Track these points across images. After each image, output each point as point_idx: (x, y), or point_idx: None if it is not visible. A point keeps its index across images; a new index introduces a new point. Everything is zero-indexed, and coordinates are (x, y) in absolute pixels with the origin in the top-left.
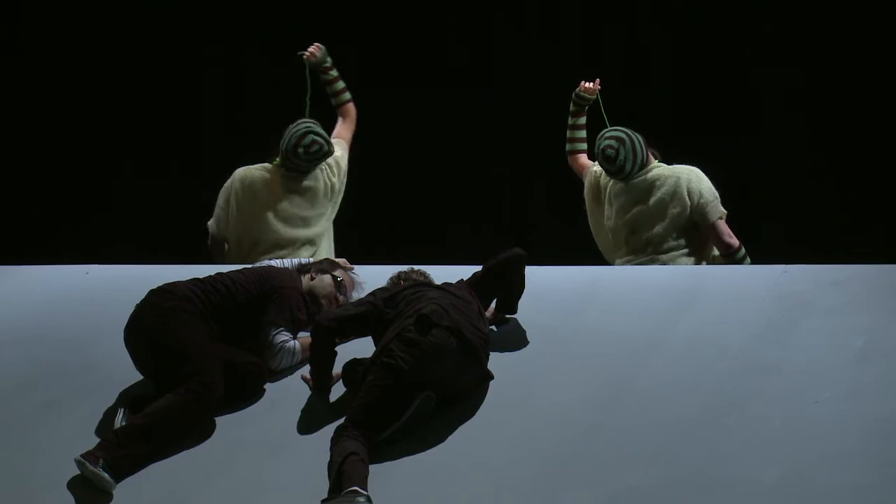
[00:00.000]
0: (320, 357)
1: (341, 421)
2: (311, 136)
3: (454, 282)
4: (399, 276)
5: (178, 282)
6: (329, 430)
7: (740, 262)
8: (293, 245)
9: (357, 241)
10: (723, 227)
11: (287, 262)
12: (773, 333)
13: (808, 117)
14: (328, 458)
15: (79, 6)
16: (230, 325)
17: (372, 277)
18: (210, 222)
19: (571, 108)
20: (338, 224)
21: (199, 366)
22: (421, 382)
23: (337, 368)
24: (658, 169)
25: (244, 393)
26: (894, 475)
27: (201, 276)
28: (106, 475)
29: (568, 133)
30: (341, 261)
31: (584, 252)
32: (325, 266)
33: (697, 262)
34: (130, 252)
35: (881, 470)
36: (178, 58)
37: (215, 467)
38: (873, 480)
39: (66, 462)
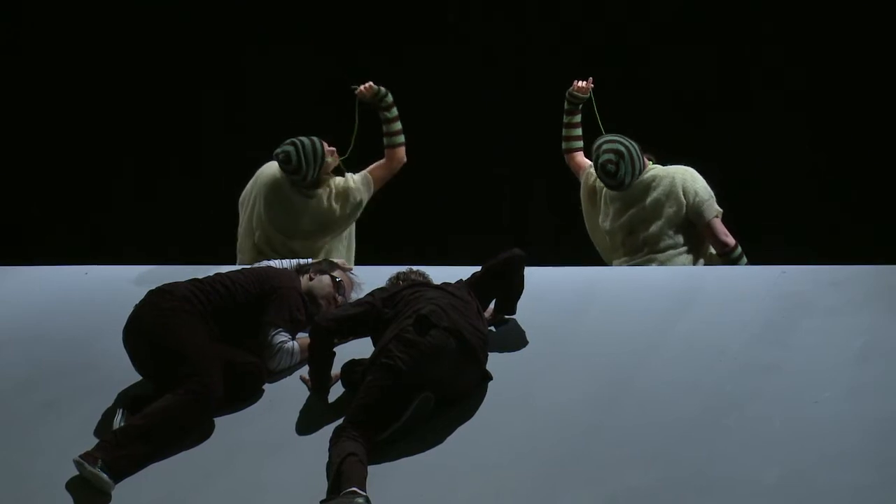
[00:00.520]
0: (319, 357)
1: (340, 421)
2: (287, 147)
3: (453, 282)
4: (398, 276)
5: (178, 282)
6: (328, 431)
7: (736, 260)
8: (286, 252)
9: (356, 241)
10: (719, 225)
11: (286, 263)
12: (772, 334)
13: (808, 117)
14: (327, 459)
15: (79, 7)
16: (229, 326)
17: (371, 278)
18: None
19: (566, 106)
20: None
21: (198, 366)
22: (420, 383)
23: (336, 369)
24: (653, 170)
25: (243, 393)
26: (894, 475)
27: (200, 277)
28: (105, 476)
29: (563, 132)
30: (340, 261)
31: (584, 253)
32: (324, 267)
33: (695, 261)
34: (130, 253)
35: (881, 470)
36: (178, 58)
37: (214, 468)
38: (873, 480)
39: (65, 462)
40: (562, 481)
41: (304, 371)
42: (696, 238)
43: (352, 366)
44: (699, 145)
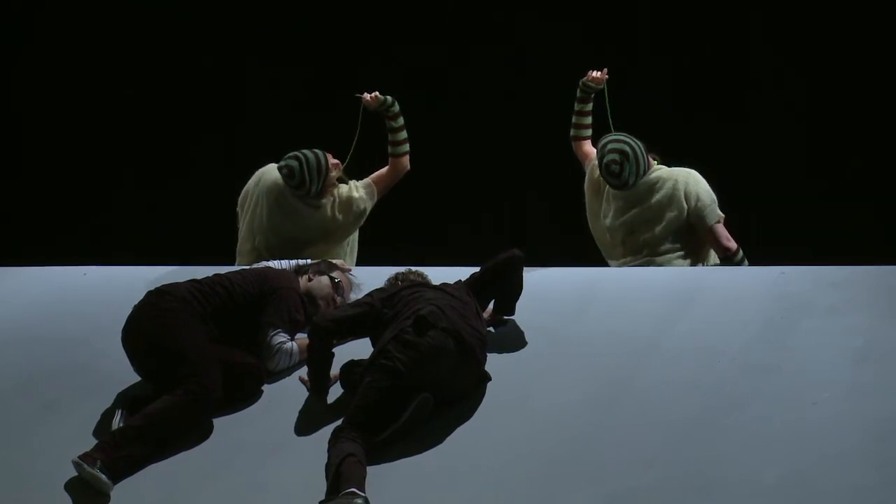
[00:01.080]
0: (318, 358)
1: (339, 422)
2: (291, 161)
3: (452, 283)
4: (397, 277)
5: (177, 283)
6: (327, 432)
7: (738, 264)
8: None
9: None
10: (720, 230)
11: (285, 264)
12: (771, 334)
13: (808, 117)
14: (326, 460)
15: (86, 7)
16: (228, 326)
17: (370, 278)
18: None
19: (578, 94)
20: None
21: (197, 367)
22: (419, 384)
23: (335, 370)
24: (658, 172)
25: (242, 394)
26: (893, 475)
27: (199, 278)
28: (103, 476)
29: (574, 118)
30: (339, 262)
31: (583, 253)
32: (323, 267)
33: (693, 265)
34: (130, 254)
35: (880, 470)
36: (177, 61)
37: (213, 468)
38: (872, 481)
39: (64, 463)
40: (561, 482)
41: (303, 372)
42: (697, 242)
43: (351, 366)
44: (699, 145)
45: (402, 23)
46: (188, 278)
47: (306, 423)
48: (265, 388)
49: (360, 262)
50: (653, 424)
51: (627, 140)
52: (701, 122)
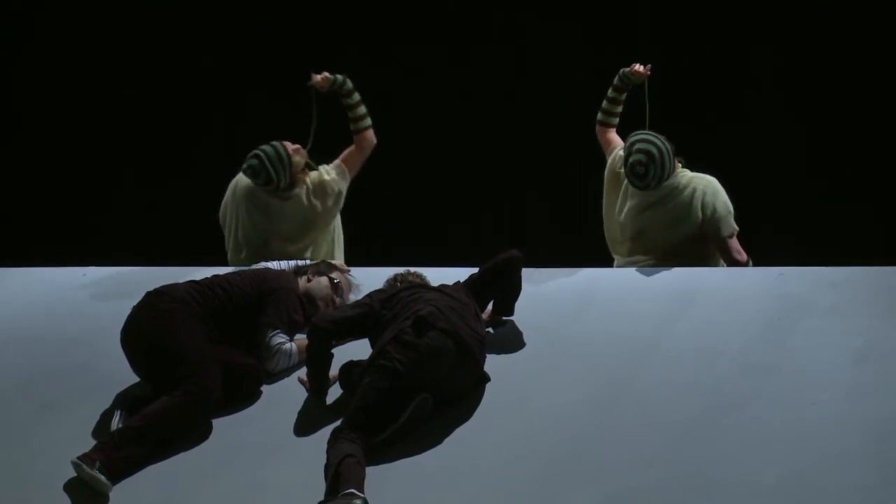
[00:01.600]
0: (317, 359)
1: (338, 423)
2: (252, 161)
3: (451, 284)
4: (396, 278)
5: (176, 283)
6: (326, 433)
7: None
8: (279, 257)
9: (354, 243)
10: (733, 243)
11: (284, 264)
12: (771, 334)
13: (808, 117)
14: (325, 460)
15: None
16: (227, 327)
17: (369, 279)
18: None
19: (616, 82)
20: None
21: (196, 367)
22: (418, 384)
23: (334, 370)
24: (679, 177)
25: (241, 395)
26: (893, 475)
27: (198, 278)
28: (102, 477)
29: (605, 104)
30: (338, 263)
31: (582, 254)
32: (322, 268)
33: None
34: (129, 259)
35: (880, 470)
36: (177, 68)
37: (212, 469)
38: (872, 481)
39: (63, 464)
40: (561, 482)
41: (303, 372)
42: (706, 251)
43: (350, 367)
44: (698, 146)
45: (402, 23)
46: (187, 279)
47: (305, 424)
48: (264, 388)
49: (360, 263)
50: (653, 424)
51: (656, 141)
52: (701, 122)
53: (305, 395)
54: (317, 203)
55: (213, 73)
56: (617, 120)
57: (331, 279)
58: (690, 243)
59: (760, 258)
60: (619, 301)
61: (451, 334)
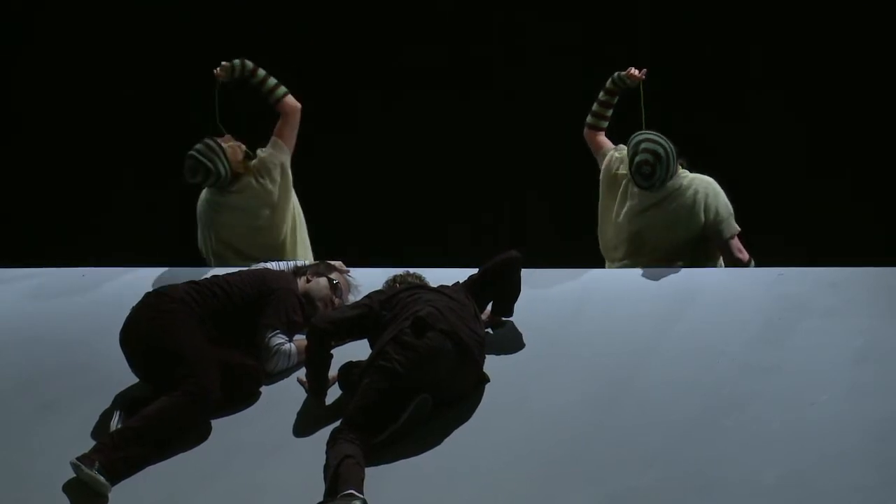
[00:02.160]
0: (316, 360)
1: (337, 424)
2: (187, 162)
3: (450, 284)
4: (395, 278)
5: (175, 284)
6: (325, 433)
7: None
8: (257, 254)
9: (353, 243)
10: (735, 243)
11: (283, 265)
12: (770, 335)
13: (807, 118)
14: (324, 461)
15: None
16: (227, 328)
17: (368, 280)
18: None
19: (608, 85)
20: (334, 226)
21: (195, 368)
22: (417, 385)
23: (333, 371)
24: (680, 178)
25: (240, 395)
26: (893, 476)
27: (197, 279)
28: (101, 478)
29: (595, 106)
30: (337, 263)
31: (581, 255)
32: (322, 269)
33: None
34: (128, 260)
35: (880, 470)
36: (176, 68)
37: (211, 470)
38: (872, 481)
39: (62, 464)
40: (560, 483)
41: (302, 373)
42: (707, 252)
43: (349, 368)
44: (696, 146)
45: (402, 23)
46: (187, 279)
47: (305, 425)
48: (263, 389)
49: (359, 263)
50: (652, 425)
51: (662, 142)
52: (701, 122)
53: (305, 395)
54: (265, 182)
55: (212, 73)
56: (606, 123)
57: (330, 280)
58: (688, 245)
59: (760, 258)
60: (618, 302)
61: (451, 335)
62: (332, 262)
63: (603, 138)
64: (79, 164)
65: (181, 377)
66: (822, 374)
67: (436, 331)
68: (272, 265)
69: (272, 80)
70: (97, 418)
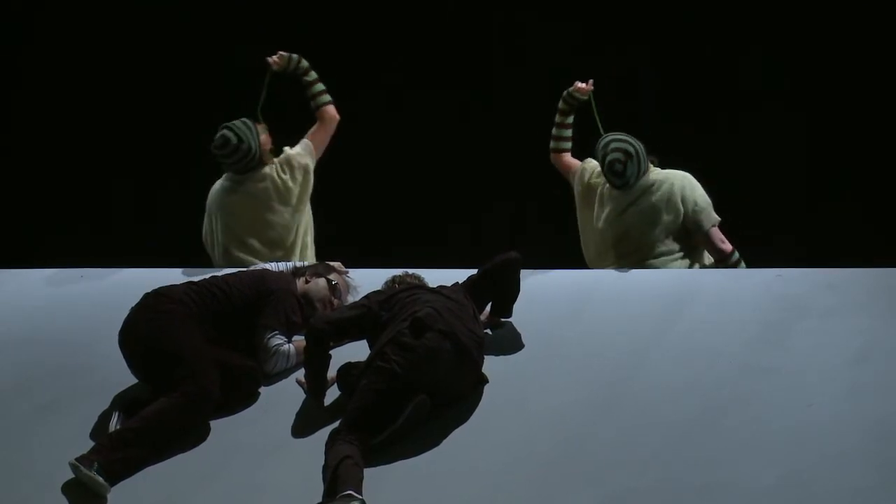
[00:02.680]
0: (315, 360)
1: (336, 424)
2: (221, 132)
3: (449, 285)
4: (394, 279)
5: (173, 285)
6: (324, 434)
7: (734, 266)
8: (260, 248)
9: (352, 244)
10: (716, 233)
11: (282, 266)
12: (769, 336)
13: (805, 119)
14: (323, 462)
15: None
16: (225, 328)
17: (367, 281)
18: None
19: (561, 105)
20: (333, 227)
21: (194, 369)
22: (415, 386)
23: (332, 372)
24: (654, 174)
25: (239, 396)
26: (892, 476)
27: (196, 280)
28: (100, 479)
29: (554, 131)
30: (336, 264)
31: (581, 256)
32: (320, 269)
33: (690, 267)
34: (126, 261)
35: (879, 471)
36: (176, 68)
37: (210, 471)
38: (871, 482)
39: (61, 465)
40: (558, 484)
41: (301, 374)
42: (691, 245)
43: (348, 369)
44: (696, 146)
45: (402, 23)
46: (185, 280)
47: (303, 426)
48: (262, 390)
49: (357, 264)
50: (651, 426)
51: (629, 140)
52: (699, 122)
53: (303, 396)
54: (286, 178)
55: (212, 73)
56: (569, 144)
57: (329, 281)
58: (674, 239)
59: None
60: (617, 302)
61: (449, 336)
62: (331, 263)
63: (570, 159)
64: (78, 163)
65: (180, 378)
66: (820, 375)
67: (434, 331)
68: (271, 266)
69: (320, 86)
70: (96, 419)
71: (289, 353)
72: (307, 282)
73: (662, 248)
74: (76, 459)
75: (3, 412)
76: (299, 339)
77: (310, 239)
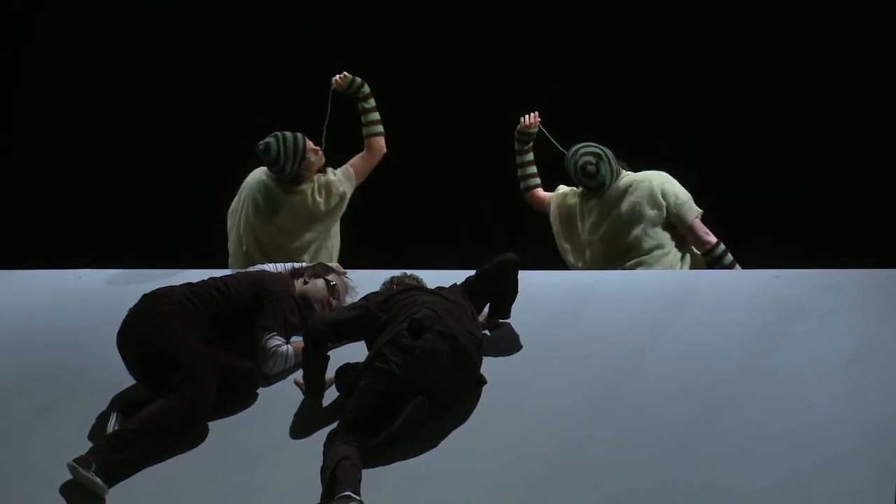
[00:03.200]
0: (313, 361)
1: (334, 425)
2: (269, 139)
3: (448, 286)
4: (392, 280)
5: (172, 286)
6: (322, 435)
7: (720, 257)
8: (276, 253)
9: (350, 245)
10: (699, 226)
11: (280, 267)
12: (766, 337)
13: (805, 119)
14: (321, 463)
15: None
16: (224, 330)
17: (365, 282)
18: None
19: (516, 146)
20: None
21: (192, 370)
22: (414, 387)
23: (330, 373)
24: (628, 177)
25: (237, 397)
26: (889, 478)
27: (195, 281)
28: (98, 480)
29: (519, 171)
30: (334, 265)
31: None
32: (319, 270)
33: (682, 259)
34: (125, 262)
35: (876, 473)
36: (176, 68)
37: (208, 472)
38: (868, 483)
39: (59, 466)
40: (556, 485)
41: (299, 375)
42: (679, 237)
43: (346, 370)
44: (694, 147)
45: (402, 23)
46: (184, 281)
47: (302, 427)
48: (261, 391)
49: (356, 265)
50: (649, 427)
51: (597, 145)
52: (696, 123)
53: (302, 397)
54: (320, 201)
55: (212, 73)
56: (537, 180)
57: (327, 281)
58: (661, 233)
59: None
60: (615, 304)
61: (448, 337)
62: (330, 264)
63: (543, 193)
64: (77, 164)
65: (178, 381)
66: (818, 376)
67: (433, 332)
68: (269, 267)
69: (376, 115)
70: (94, 420)
71: (287, 354)
72: (305, 283)
73: (652, 244)
74: (74, 460)
75: (2, 413)
76: (298, 340)
77: (325, 257)
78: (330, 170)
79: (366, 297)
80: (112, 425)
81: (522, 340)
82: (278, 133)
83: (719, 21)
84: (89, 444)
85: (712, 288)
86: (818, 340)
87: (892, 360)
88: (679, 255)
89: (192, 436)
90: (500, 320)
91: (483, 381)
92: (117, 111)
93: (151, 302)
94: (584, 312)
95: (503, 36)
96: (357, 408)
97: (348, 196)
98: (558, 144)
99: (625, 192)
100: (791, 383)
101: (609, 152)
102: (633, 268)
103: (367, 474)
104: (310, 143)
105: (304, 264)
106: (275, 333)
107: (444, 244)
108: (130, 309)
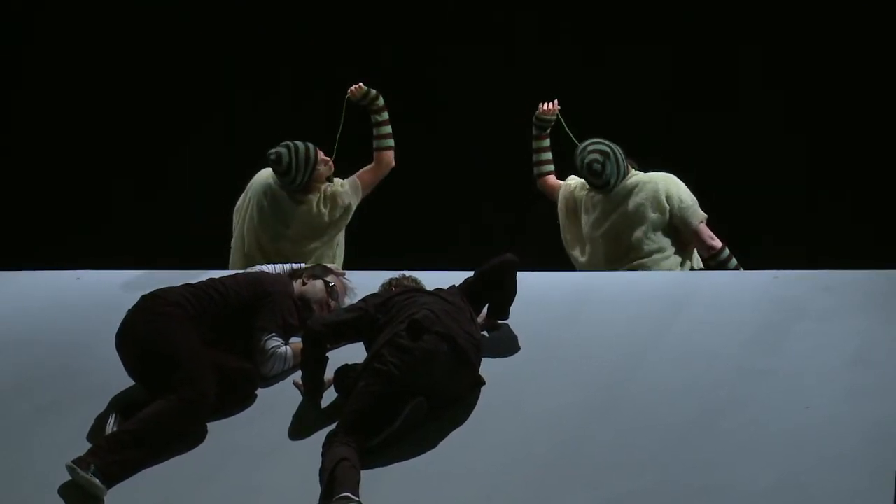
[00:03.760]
0: (312, 363)
1: (333, 427)
2: (281, 148)
3: (446, 287)
4: (391, 282)
5: (171, 287)
6: (321, 436)
7: (725, 262)
8: (277, 257)
9: (350, 245)
10: (704, 230)
11: (279, 268)
12: (766, 338)
13: (805, 120)
14: (320, 464)
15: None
16: (222, 331)
17: (364, 283)
18: None
19: (533, 131)
20: None
21: (191, 371)
22: (412, 388)
23: (329, 374)
24: (636, 176)
25: (236, 398)
26: (888, 479)
27: (193, 282)
28: (97, 481)
29: (533, 157)
30: (333, 266)
31: None
32: (317, 272)
33: (682, 263)
34: (124, 263)
35: (876, 474)
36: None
37: (207, 473)
38: (867, 484)
39: (58, 467)
40: (555, 486)
41: (298, 376)
42: (682, 242)
43: (345, 371)
44: (693, 148)
45: (401, 23)
46: (182, 282)
47: (300, 428)
48: (259, 392)
49: (355, 266)
50: (648, 428)
51: (606, 142)
52: (696, 124)
53: (300, 398)
54: (325, 212)
55: (212, 74)
56: (551, 167)
57: (326, 283)
58: (664, 237)
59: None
60: (614, 305)
61: (446, 338)
62: (328, 265)
63: (554, 181)
64: (76, 165)
65: (177, 381)
66: (818, 377)
67: (431, 334)
68: (268, 268)
69: (388, 129)
70: (92, 422)
71: (286, 355)
72: (304, 284)
73: (653, 247)
74: (73, 461)
75: (2, 413)
76: (296, 342)
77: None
78: (338, 180)
79: (364, 299)
80: (111, 426)
81: (521, 341)
82: (290, 143)
83: (719, 21)
84: (88, 445)
85: (712, 289)
86: (818, 341)
87: (892, 360)
88: (679, 260)
89: (190, 437)
90: (499, 321)
91: (482, 383)
92: (117, 111)
93: (150, 303)
94: (583, 313)
95: (503, 36)
96: (356, 409)
97: (353, 208)
98: (573, 136)
99: (631, 191)
100: (791, 384)
101: (618, 150)
102: (631, 269)
103: (366, 475)
104: (321, 154)
105: (303, 265)
106: (273, 334)
107: (444, 244)
108: (129, 310)
